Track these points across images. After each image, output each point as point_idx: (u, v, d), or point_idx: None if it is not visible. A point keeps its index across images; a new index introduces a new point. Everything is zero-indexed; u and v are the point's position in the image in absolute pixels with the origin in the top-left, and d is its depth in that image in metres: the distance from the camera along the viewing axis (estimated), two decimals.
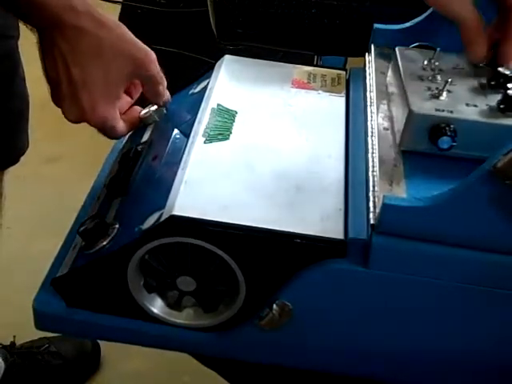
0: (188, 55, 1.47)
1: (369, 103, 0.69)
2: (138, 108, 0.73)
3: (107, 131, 0.67)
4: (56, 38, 0.62)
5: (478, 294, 0.55)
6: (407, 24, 0.77)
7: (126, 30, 0.65)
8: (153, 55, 0.67)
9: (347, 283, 0.56)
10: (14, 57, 0.85)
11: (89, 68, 0.63)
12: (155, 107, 0.74)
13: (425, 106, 0.60)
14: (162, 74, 0.69)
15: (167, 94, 0.72)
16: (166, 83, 0.71)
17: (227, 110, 0.70)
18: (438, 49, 0.68)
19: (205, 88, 0.75)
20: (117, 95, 0.66)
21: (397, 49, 0.70)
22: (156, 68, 0.68)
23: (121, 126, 0.68)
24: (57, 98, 0.66)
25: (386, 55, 0.75)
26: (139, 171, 0.67)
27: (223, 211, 0.57)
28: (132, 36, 0.65)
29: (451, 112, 0.59)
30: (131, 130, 0.72)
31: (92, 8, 0.62)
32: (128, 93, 0.71)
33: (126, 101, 0.71)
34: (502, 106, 0.60)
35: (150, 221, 0.58)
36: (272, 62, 0.80)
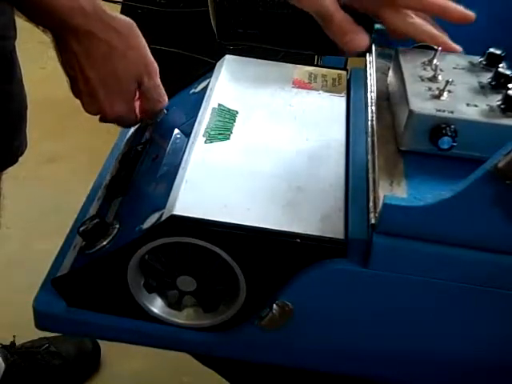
0: (188, 55, 1.47)
1: (369, 103, 0.69)
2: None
3: (123, 124, 0.71)
4: (69, 39, 0.64)
5: (479, 293, 0.55)
6: None
7: (136, 34, 0.67)
8: (153, 67, 0.69)
9: (347, 283, 0.56)
10: (11, 57, 0.85)
11: (102, 70, 0.65)
12: None
13: (425, 106, 0.60)
14: (162, 92, 0.71)
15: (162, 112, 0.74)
16: (165, 102, 0.72)
17: (228, 110, 0.70)
18: (439, 49, 0.68)
19: (205, 88, 0.75)
20: (132, 92, 0.69)
21: (398, 49, 0.70)
22: (155, 79, 0.69)
23: (135, 118, 0.71)
24: (76, 91, 0.68)
25: (387, 55, 0.75)
26: (139, 171, 0.67)
27: (224, 211, 0.57)
28: (140, 43, 0.67)
29: (452, 112, 0.59)
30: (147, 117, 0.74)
31: (101, 11, 0.63)
32: None
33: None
34: (502, 106, 0.60)
35: (151, 220, 0.58)
36: (273, 62, 0.80)
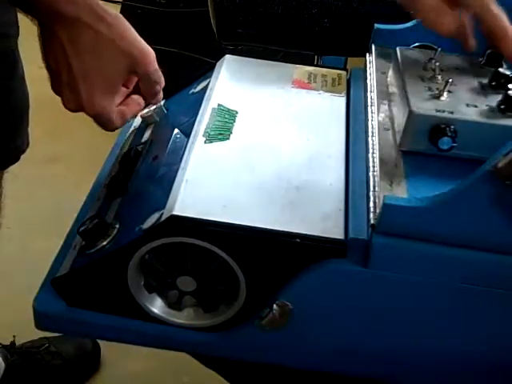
0: (188, 55, 1.47)
1: (369, 103, 0.69)
2: (135, 98, 0.73)
3: (103, 123, 0.68)
4: (56, 29, 0.62)
5: (478, 293, 0.55)
6: (408, 24, 0.77)
7: (126, 25, 0.65)
8: (150, 55, 0.66)
9: (347, 283, 0.56)
10: (14, 55, 0.85)
11: (87, 61, 0.63)
12: (155, 107, 0.74)
13: (425, 107, 0.60)
14: (159, 74, 0.69)
15: (160, 95, 0.72)
16: (163, 84, 0.71)
17: (228, 110, 0.70)
18: (439, 49, 0.68)
19: (205, 88, 0.75)
20: (115, 89, 0.66)
21: (397, 49, 0.70)
22: (152, 68, 0.67)
23: (117, 118, 0.68)
24: (57, 86, 0.66)
25: (387, 55, 0.75)
26: (139, 171, 0.67)
27: (223, 211, 0.57)
28: (131, 33, 0.65)
29: (452, 113, 0.59)
30: (127, 122, 0.72)
31: (92, 1, 0.62)
32: (124, 83, 0.71)
33: (122, 91, 0.70)
34: (502, 107, 0.60)
35: (151, 221, 0.58)
36: (272, 62, 0.80)
